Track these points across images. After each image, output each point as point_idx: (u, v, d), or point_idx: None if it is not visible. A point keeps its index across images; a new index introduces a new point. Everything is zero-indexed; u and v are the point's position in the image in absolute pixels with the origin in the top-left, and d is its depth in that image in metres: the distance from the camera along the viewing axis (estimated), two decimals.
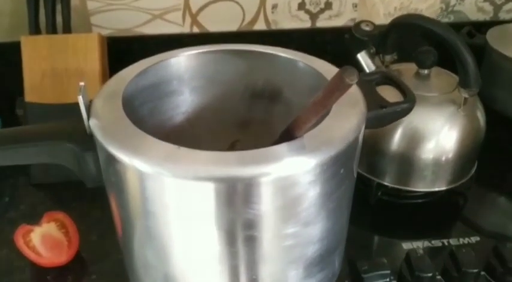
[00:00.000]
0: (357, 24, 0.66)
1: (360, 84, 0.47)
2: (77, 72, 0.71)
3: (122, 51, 0.80)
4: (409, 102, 0.44)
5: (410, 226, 0.62)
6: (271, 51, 0.50)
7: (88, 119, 0.39)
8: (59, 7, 0.73)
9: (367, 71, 0.67)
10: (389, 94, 0.48)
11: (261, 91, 0.54)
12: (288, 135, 0.36)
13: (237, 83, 0.53)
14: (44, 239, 0.56)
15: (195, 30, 0.81)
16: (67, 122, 0.41)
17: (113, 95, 0.41)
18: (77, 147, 0.38)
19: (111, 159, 0.35)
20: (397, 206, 0.64)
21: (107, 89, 0.43)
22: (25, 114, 0.71)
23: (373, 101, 0.45)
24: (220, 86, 0.53)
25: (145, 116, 0.50)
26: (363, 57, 0.67)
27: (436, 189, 0.61)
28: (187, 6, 0.78)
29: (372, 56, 0.67)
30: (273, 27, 0.82)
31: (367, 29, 0.65)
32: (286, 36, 0.83)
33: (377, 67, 0.67)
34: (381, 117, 0.43)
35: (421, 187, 0.61)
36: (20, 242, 0.55)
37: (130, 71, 0.46)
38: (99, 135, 0.36)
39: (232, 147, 0.58)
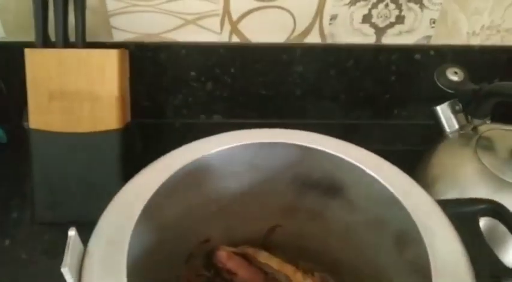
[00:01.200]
0: (442, 71, 0.52)
1: (458, 217, 0.34)
2: (91, 97, 0.59)
3: (147, 60, 0.67)
4: None
5: None
6: (333, 152, 0.38)
7: None
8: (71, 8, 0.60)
9: (447, 128, 0.53)
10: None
11: (316, 183, 0.42)
12: None
13: (286, 171, 0.41)
14: None
15: (235, 39, 0.67)
16: None
17: (115, 248, 0.30)
18: None
19: None
20: None
21: (108, 230, 0.31)
22: (29, 142, 0.60)
23: (477, 254, 0.33)
24: (264, 171, 0.41)
25: (164, 214, 0.39)
26: (443, 111, 0.53)
27: None
28: (227, 11, 0.64)
29: (455, 111, 0.53)
30: (329, 40, 0.68)
31: (456, 79, 0.51)
32: (344, 52, 0.68)
33: (461, 127, 0.53)
34: None
35: None
36: None
37: (142, 189, 0.34)
38: None
39: (271, 232, 0.47)
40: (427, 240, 0.33)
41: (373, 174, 0.37)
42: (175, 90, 0.70)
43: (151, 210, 0.36)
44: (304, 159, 0.39)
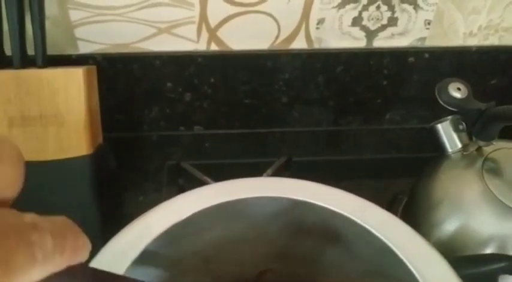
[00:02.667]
0: (444, 86, 0.47)
1: (475, 278, 0.30)
2: (56, 121, 0.53)
3: (118, 72, 0.61)
4: None
5: None
6: (325, 205, 0.33)
7: None
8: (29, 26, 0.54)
9: (448, 148, 0.49)
10: None
11: (311, 229, 0.37)
12: None
13: (276, 220, 0.37)
14: None
15: (213, 47, 0.61)
16: None
17: None
18: None
19: None
20: None
21: None
22: None
23: None
24: (252, 221, 0.37)
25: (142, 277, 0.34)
26: (444, 130, 0.49)
27: None
28: (204, 18, 0.58)
29: (458, 130, 0.48)
30: (316, 46, 0.62)
31: (459, 96, 0.46)
32: (333, 57, 0.63)
33: (463, 146, 0.49)
34: None
35: None
36: None
37: (119, 258, 0.29)
38: None
39: (262, 275, 0.43)
40: None
41: (372, 230, 0.32)
42: (150, 103, 0.65)
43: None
44: (295, 210, 0.35)
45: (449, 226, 0.46)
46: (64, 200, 0.55)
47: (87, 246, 0.18)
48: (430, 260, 0.30)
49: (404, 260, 0.30)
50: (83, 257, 0.18)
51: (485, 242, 0.43)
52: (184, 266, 0.38)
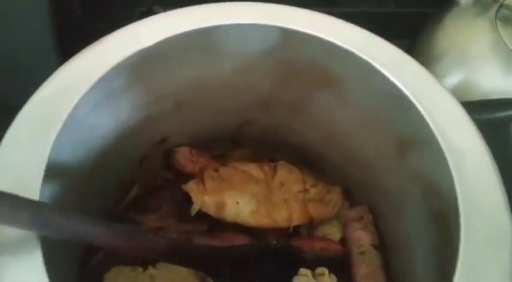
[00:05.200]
0: None
1: (486, 123, 0.27)
2: None
3: None
4: None
5: None
6: (322, 36, 0.27)
7: None
8: None
9: None
10: None
11: (304, 68, 0.32)
12: None
13: (263, 58, 0.31)
14: None
15: None
16: None
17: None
18: None
19: None
20: None
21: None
22: None
23: (505, 171, 0.25)
24: (233, 58, 0.32)
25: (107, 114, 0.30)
26: None
27: None
28: None
29: None
30: None
31: None
32: None
33: None
34: None
35: None
36: None
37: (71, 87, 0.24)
38: None
39: (242, 128, 0.39)
40: (448, 155, 0.25)
41: (375, 64, 0.27)
42: None
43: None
44: (287, 43, 0.29)
45: (452, 79, 0.42)
46: (17, 46, 0.49)
47: None
48: (444, 104, 0.26)
49: (416, 104, 0.25)
50: None
51: (492, 96, 0.39)
52: (152, 111, 0.34)
